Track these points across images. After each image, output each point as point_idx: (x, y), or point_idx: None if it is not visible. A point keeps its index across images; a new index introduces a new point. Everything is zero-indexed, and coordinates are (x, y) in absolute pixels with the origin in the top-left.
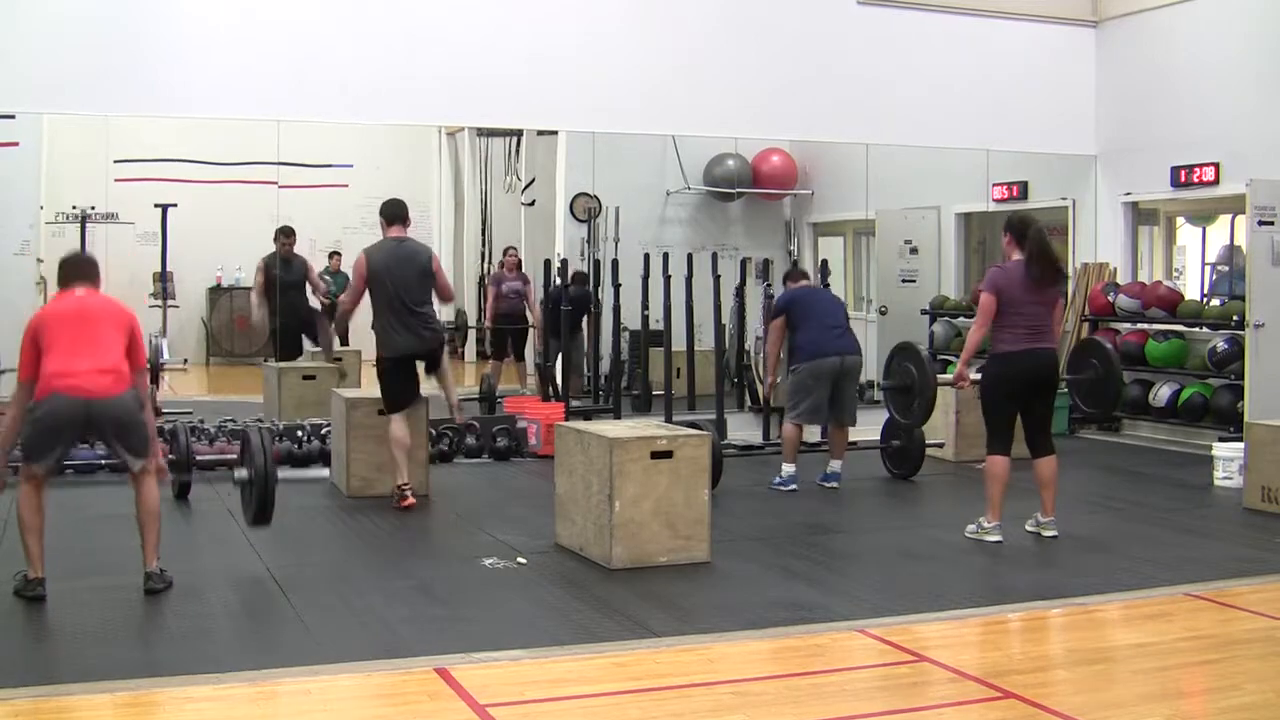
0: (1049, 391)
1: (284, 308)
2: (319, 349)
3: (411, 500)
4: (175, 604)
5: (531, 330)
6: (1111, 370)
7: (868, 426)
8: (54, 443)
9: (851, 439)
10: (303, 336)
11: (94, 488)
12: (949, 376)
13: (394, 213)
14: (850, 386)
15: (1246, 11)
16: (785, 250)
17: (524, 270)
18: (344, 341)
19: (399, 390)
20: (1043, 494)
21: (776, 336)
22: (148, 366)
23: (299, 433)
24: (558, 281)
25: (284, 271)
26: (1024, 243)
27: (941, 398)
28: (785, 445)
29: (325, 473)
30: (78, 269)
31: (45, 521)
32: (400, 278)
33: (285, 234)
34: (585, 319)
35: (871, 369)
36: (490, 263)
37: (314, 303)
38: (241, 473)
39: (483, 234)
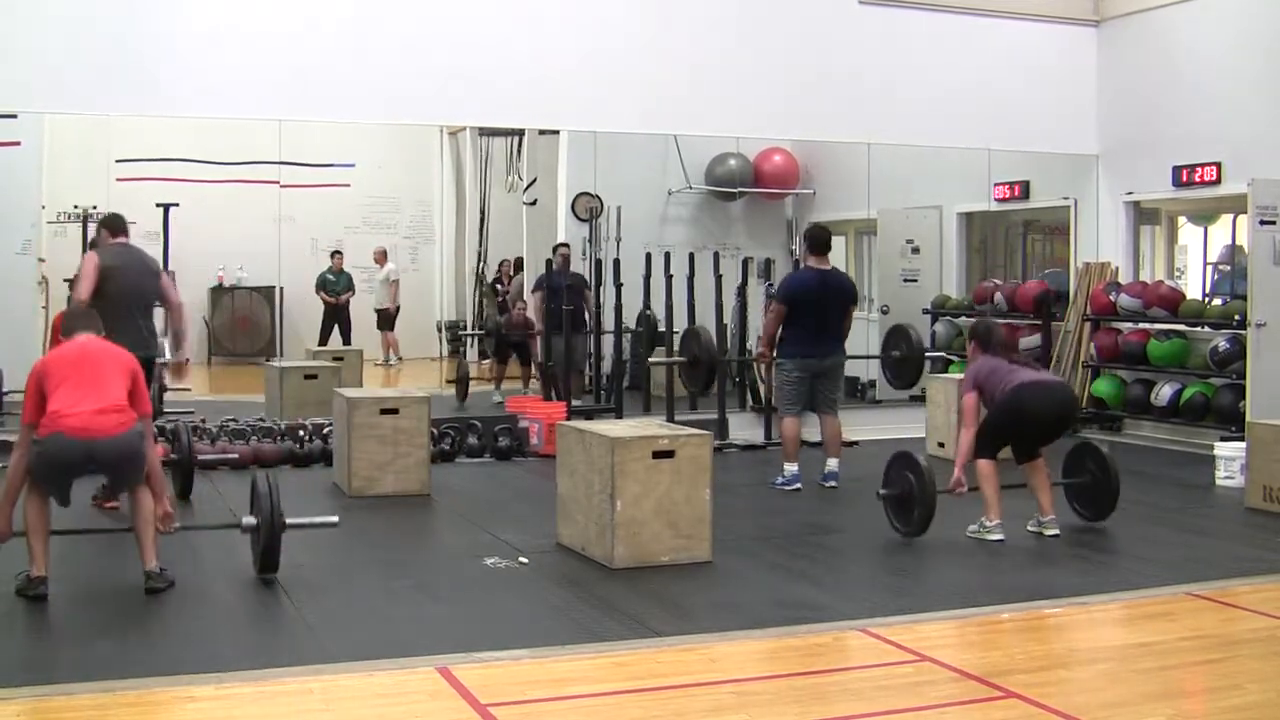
0: (1062, 429)
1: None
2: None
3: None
4: (176, 603)
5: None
6: (1110, 474)
7: (866, 427)
8: (56, 479)
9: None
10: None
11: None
12: (945, 487)
13: (118, 224)
14: (831, 381)
15: (1248, 11)
16: (787, 250)
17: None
18: (346, 340)
19: None
20: (1038, 496)
21: (774, 319)
22: (150, 413)
23: (300, 432)
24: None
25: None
26: (988, 348)
27: (945, 395)
28: (785, 444)
29: (334, 518)
30: (81, 319)
31: (50, 522)
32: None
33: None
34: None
35: (873, 368)
36: (487, 263)
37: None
38: (249, 519)
39: (482, 233)
